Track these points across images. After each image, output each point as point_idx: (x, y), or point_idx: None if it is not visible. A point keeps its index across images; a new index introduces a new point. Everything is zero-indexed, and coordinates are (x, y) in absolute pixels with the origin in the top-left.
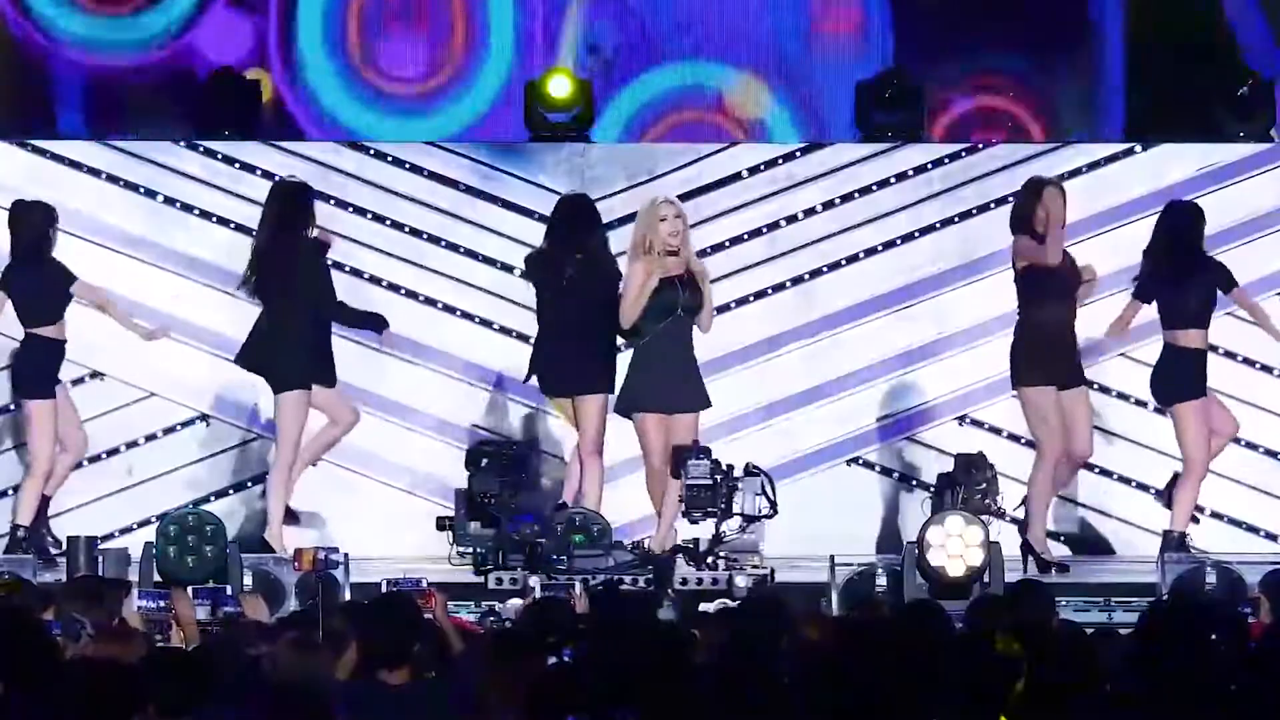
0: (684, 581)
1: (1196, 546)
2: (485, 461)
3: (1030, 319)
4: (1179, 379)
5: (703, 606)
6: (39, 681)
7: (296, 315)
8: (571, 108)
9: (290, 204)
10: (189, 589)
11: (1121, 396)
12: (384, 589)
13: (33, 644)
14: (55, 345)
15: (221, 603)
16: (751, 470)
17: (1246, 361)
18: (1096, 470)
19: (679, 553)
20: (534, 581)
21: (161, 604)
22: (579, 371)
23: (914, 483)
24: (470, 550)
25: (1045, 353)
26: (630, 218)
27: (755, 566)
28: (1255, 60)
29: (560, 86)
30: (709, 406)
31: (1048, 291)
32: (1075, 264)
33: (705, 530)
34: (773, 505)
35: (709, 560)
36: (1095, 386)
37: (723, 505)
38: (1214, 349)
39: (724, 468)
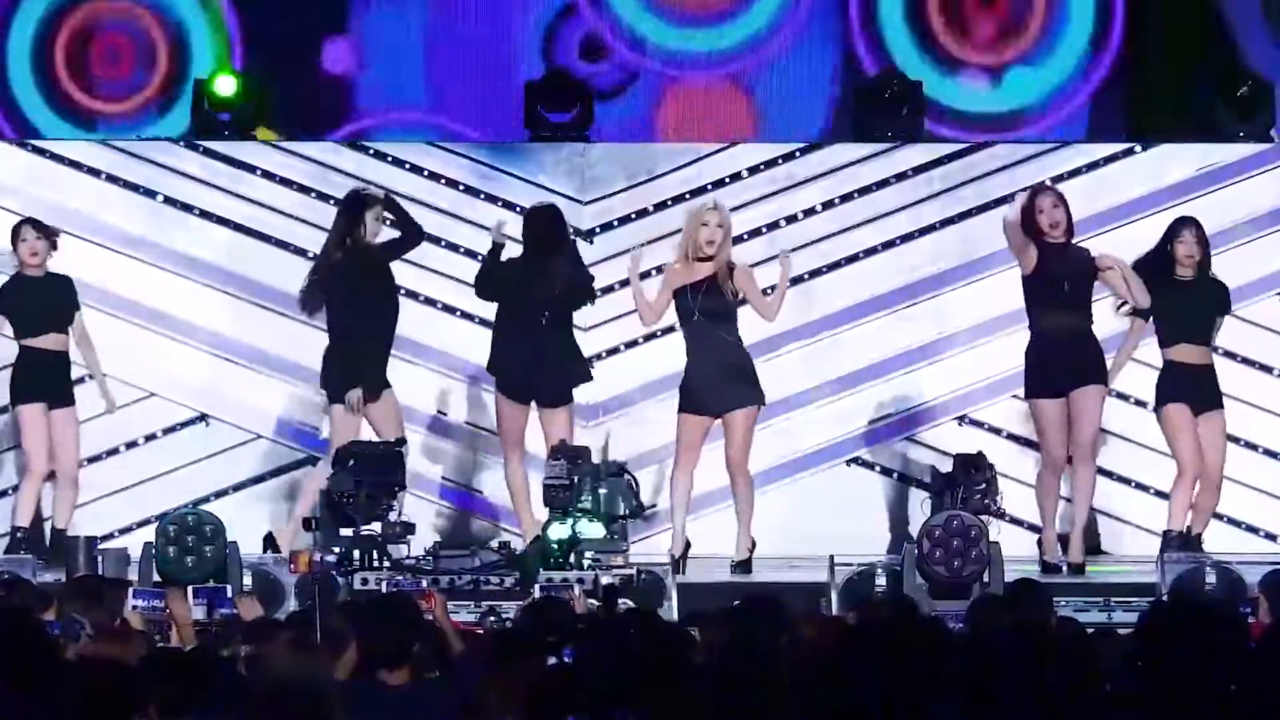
0: (549, 581)
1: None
2: (351, 462)
3: (1033, 328)
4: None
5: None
6: (38, 681)
7: (348, 326)
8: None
9: (341, 215)
10: (188, 589)
11: (1121, 396)
12: (386, 589)
13: (32, 644)
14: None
15: (219, 604)
16: (615, 470)
17: (1246, 361)
18: (1099, 470)
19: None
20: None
21: (156, 604)
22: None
23: (914, 483)
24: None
25: (1044, 363)
26: (630, 218)
27: (619, 567)
28: (1255, 60)
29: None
30: (754, 405)
31: (1043, 299)
32: (1084, 265)
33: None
34: (639, 505)
35: (570, 560)
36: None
37: (582, 505)
38: (1214, 349)
39: (588, 468)
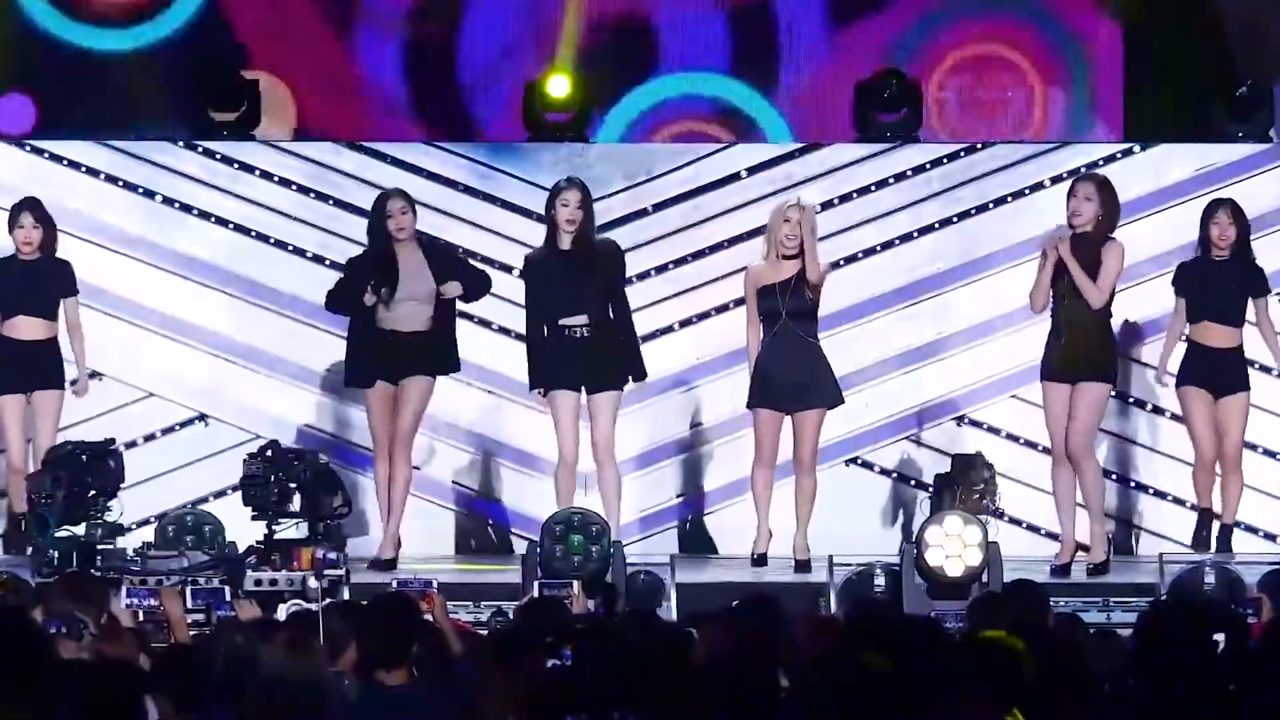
0: (258, 583)
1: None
2: (54, 460)
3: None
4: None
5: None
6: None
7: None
8: (570, 108)
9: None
10: (187, 588)
11: (1121, 396)
12: (394, 588)
13: (25, 644)
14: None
15: (216, 606)
16: (322, 470)
17: (1246, 361)
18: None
19: (252, 553)
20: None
21: (151, 603)
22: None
23: (914, 483)
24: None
25: (1047, 349)
26: (630, 218)
27: (331, 568)
28: (1254, 61)
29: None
30: (828, 406)
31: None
32: (1075, 262)
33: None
34: (346, 504)
35: (274, 560)
36: None
37: (275, 502)
38: (1252, 324)
39: (290, 466)
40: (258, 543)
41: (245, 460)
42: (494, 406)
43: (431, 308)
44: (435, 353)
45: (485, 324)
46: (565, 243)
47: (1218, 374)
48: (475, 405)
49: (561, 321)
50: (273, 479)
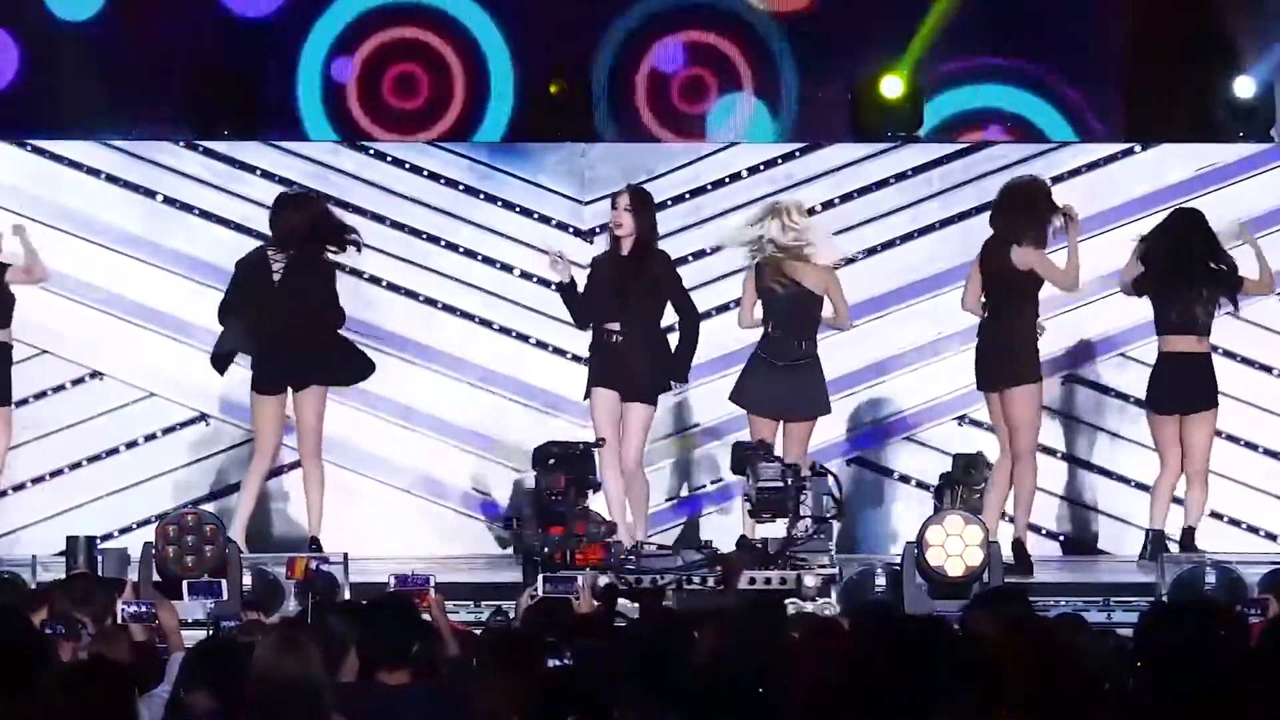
0: (752, 581)
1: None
2: (552, 460)
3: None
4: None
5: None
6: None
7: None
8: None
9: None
10: (184, 586)
11: (1121, 396)
12: (391, 585)
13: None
14: None
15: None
16: (819, 470)
17: (1246, 361)
18: (1096, 469)
19: (746, 553)
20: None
21: (146, 609)
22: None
23: (914, 483)
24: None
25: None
26: None
27: (824, 566)
28: (1254, 60)
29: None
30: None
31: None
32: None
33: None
34: (839, 505)
35: (778, 561)
36: (1094, 386)
37: (792, 507)
38: (1214, 349)
39: (793, 469)
40: (754, 542)
41: (761, 467)
42: (495, 406)
43: None
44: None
45: (486, 324)
46: (621, 247)
47: (1191, 384)
48: (476, 405)
49: (605, 326)
50: (787, 484)
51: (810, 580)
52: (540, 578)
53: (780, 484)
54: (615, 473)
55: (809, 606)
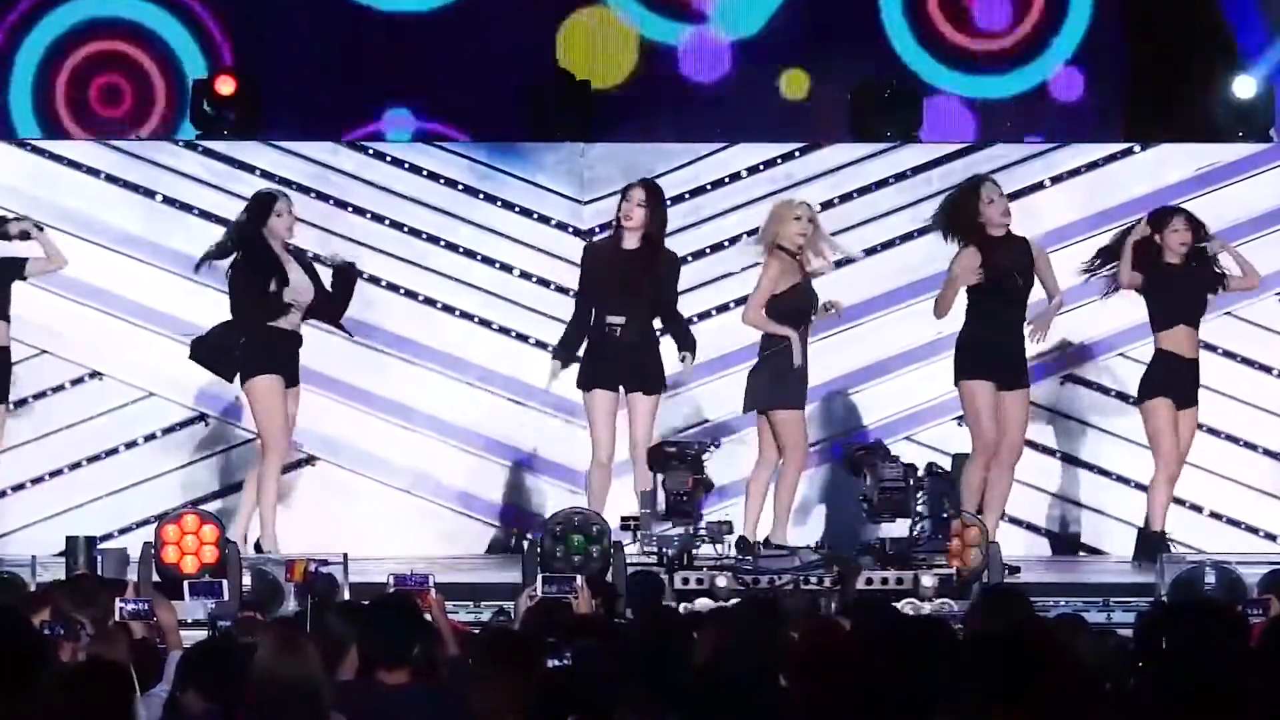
0: (869, 582)
1: (1175, 541)
2: (676, 462)
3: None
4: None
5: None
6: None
7: None
8: None
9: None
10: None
11: (1120, 396)
12: (390, 584)
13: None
14: None
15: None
16: (935, 471)
17: (1246, 361)
18: (1095, 469)
19: (864, 553)
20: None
21: (143, 608)
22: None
23: None
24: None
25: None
26: None
27: (943, 566)
28: (1255, 60)
29: None
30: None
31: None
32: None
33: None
34: (954, 506)
35: (896, 561)
36: (1093, 386)
37: (916, 508)
38: (1214, 349)
39: (911, 469)
40: (874, 542)
41: (883, 467)
42: (494, 406)
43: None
44: None
45: (485, 324)
46: (627, 241)
47: (1185, 385)
48: (475, 405)
49: (607, 319)
50: (910, 484)
51: (928, 580)
52: (540, 578)
53: (903, 484)
54: (604, 471)
55: (926, 607)
